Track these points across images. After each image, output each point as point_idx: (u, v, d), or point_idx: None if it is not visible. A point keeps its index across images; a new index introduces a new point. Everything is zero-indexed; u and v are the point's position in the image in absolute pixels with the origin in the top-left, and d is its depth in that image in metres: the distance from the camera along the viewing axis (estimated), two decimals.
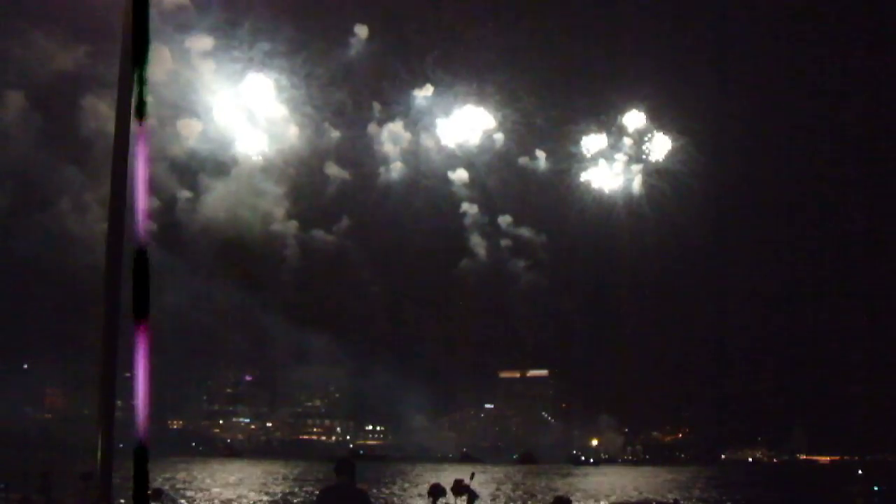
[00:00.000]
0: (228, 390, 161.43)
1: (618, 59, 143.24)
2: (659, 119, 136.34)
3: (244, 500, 49.46)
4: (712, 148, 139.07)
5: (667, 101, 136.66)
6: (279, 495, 53.64)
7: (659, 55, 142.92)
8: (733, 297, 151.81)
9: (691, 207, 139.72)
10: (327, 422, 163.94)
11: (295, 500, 49.31)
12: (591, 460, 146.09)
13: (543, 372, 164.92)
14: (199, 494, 51.94)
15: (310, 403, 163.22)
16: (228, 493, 54.01)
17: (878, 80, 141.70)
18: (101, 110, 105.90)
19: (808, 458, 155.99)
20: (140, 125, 2.21)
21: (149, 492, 2.25)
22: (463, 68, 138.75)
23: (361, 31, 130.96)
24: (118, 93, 5.03)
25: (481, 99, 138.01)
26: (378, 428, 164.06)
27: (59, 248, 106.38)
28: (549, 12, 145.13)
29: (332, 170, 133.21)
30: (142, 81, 2.18)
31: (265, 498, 51.64)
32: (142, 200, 2.22)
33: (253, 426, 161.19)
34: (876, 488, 55.57)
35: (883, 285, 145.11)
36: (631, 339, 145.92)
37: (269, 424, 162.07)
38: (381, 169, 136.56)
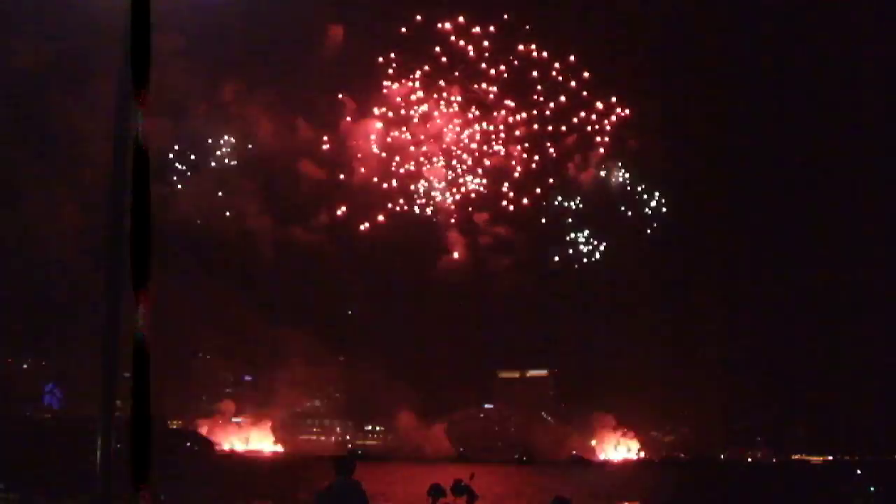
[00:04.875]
0: (228, 390, 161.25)
1: (606, 59, 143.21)
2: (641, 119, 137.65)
3: (243, 501, 49.41)
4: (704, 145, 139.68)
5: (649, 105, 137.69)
6: (278, 495, 53.60)
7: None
8: (733, 295, 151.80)
9: (684, 203, 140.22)
10: (327, 422, 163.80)
11: (295, 500, 49.27)
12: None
13: (543, 372, 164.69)
14: (198, 495, 51.87)
15: (309, 403, 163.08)
16: (227, 494, 53.96)
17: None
18: (70, 107, 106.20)
19: (802, 458, 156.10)
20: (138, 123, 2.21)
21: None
22: (440, 65, 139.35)
23: (335, 28, 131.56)
24: (119, 90, 5.03)
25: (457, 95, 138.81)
26: (378, 428, 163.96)
27: (34, 244, 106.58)
28: (537, 9, 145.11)
29: (307, 167, 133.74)
30: (144, 78, 2.18)
31: (265, 498, 51.60)
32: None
33: (252, 426, 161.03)
34: (872, 489, 55.54)
35: (881, 284, 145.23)
36: (631, 339, 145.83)
37: (269, 424, 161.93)
38: (357, 165, 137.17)
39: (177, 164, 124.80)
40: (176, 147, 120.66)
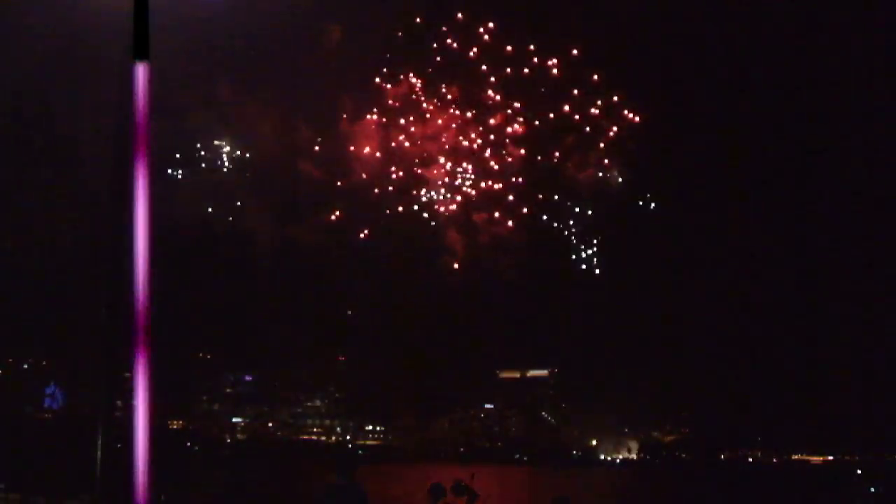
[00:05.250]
0: (228, 390, 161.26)
1: (597, 62, 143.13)
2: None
3: (244, 501, 49.43)
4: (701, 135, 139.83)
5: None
6: (279, 496, 53.62)
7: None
8: (732, 295, 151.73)
9: (680, 200, 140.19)
10: (327, 422, 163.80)
11: (295, 501, 49.30)
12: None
13: (543, 372, 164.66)
14: (199, 496, 51.90)
15: (310, 403, 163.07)
16: (228, 494, 53.96)
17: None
18: (67, 107, 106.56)
19: (801, 458, 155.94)
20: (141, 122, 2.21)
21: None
22: (436, 64, 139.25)
23: (333, 28, 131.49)
24: (119, 91, 5.03)
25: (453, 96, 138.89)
26: (378, 428, 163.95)
27: (27, 244, 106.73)
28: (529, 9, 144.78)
29: (305, 166, 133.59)
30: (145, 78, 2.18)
31: (265, 499, 51.60)
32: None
33: (253, 426, 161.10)
34: (872, 490, 55.52)
35: (880, 283, 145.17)
36: (631, 339, 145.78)
37: (269, 424, 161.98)
38: (355, 164, 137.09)
39: (174, 163, 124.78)
40: (173, 146, 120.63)
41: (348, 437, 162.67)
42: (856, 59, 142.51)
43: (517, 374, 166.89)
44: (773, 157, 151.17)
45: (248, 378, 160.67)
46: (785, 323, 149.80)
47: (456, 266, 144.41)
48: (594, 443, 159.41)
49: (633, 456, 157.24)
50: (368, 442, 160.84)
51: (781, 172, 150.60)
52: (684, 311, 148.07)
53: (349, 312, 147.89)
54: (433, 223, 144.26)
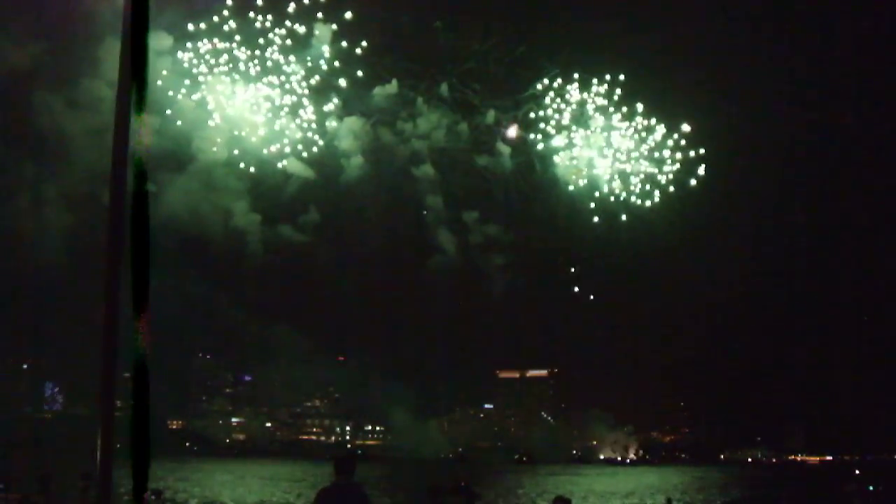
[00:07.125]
0: (228, 390, 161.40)
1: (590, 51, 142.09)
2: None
3: (243, 502, 49.45)
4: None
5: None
6: (278, 496, 53.65)
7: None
8: (731, 295, 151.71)
9: (679, 201, 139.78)
10: (327, 422, 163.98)
11: (294, 501, 49.32)
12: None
13: (543, 372, 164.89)
14: (199, 495, 51.91)
15: (309, 403, 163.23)
16: (227, 494, 54.02)
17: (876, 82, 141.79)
18: (55, 107, 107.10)
19: (800, 458, 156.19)
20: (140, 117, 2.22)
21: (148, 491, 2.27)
22: (427, 63, 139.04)
23: (324, 29, 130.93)
24: (118, 89, 5.05)
25: (444, 95, 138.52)
26: (377, 428, 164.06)
27: (21, 245, 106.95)
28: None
29: (293, 165, 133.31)
30: (142, 78, 2.18)
31: (264, 499, 51.61)
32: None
33: (252, 426, 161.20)
34: (871, 488, 55.63)
35: (881, 283, 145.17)
36: (630, 339, 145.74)
37: (268, 424, 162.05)
38: (343, 163, 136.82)
39: (163, 163, 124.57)
40: (162, 145, 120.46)
41: (348, 437, 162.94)
42: None
43: (517, 374, 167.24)
44: (768, 157, 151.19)
45: (247, 378, 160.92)
46: (784, 324, 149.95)
47: (447, 254, 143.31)
48: (594, 443, 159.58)
49: (633, 455, 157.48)
50: (368, 442, 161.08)
51: (778, 175, 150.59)
52: (685, 312, 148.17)
53: (339, 313, 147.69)
54: (424, 220, 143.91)
